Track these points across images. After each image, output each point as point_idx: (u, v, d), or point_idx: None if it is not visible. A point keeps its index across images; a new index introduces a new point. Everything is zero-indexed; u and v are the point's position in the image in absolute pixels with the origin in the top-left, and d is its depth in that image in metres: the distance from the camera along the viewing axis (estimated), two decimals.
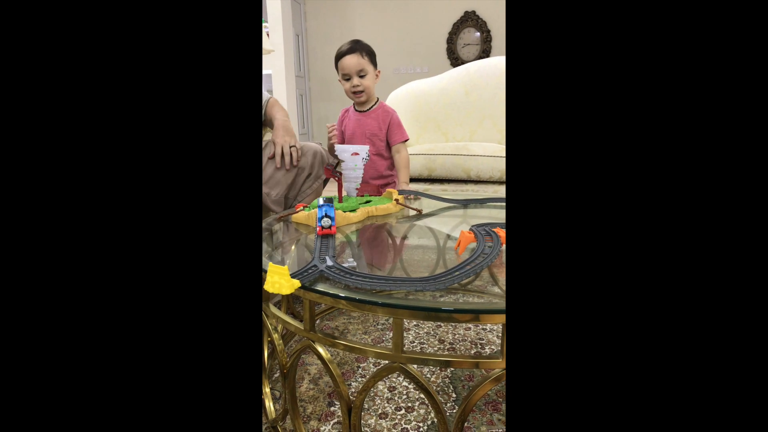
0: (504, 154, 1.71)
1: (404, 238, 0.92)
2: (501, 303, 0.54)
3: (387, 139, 1.33)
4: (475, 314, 0.53)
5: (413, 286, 0.54)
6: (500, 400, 0.79)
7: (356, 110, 1.36)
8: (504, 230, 0.68)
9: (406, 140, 1.33)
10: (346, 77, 1.28)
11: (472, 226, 0.72)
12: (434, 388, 0.82)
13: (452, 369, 0.88)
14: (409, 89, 2.20)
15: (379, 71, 1.31)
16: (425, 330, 1.05)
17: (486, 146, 1.78)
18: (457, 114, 2.11)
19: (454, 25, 3.69)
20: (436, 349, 0.97)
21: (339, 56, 1.28)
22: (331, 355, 0.62)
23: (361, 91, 1.28)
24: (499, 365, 0.53)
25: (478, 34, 3.67)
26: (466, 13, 3.65)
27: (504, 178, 1.71)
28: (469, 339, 1.01)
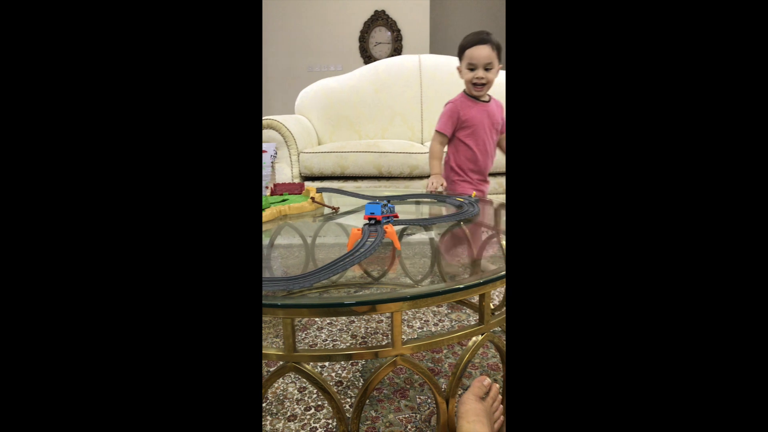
0: (414, 151, 1.77)
1: (314, 237, 0.91)
2: (394, 292, 0.55)
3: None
4: (372, 305, 0.54)
5: (280, 286, 0.53)
6: (408, 386, 0.81)
7: (478, 100, 1.26)
8: (392, 225, 0.70)
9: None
10: (472, 67, 1.20)
11: (365, 222, 0.73)
12: (345, 383, 0.83)
13: (363, 362, 0.89)
14: (320, 87, 2.18)
15: (501, 66, 1.23)
16: (338, 327, 1.05)
17: (397, 143, 1.83)
18: (369, 111, 2.13)
19: (365, 23, 3.73)
20: (348, 344, 0.97)
21: (468, 45, 1.20)
22: None
23: (484, 84, 1.21)
24: (392, 353, 0.54)
25: (389, 33, 3.74)
26: (376, 12, 3.71)
27: (413, 173, 1.77)
28: (381, 331, 1.03)
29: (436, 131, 1.30)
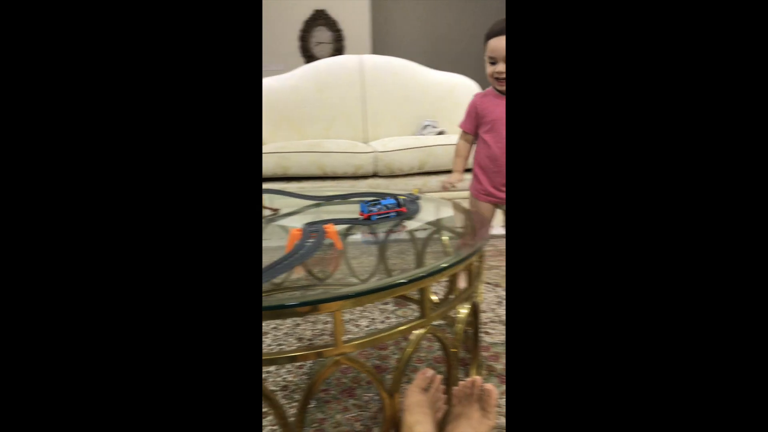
0: (357, 150, 1.77)
1: None
2: (335, 291, 0.55)
3: None
4: (314, 305, 0.53)
5: None
6: (355, 385, 0.81)
7: (500, 93, 1.13)
8: (333, 225, 0.69)
9: None
10: (492, 61, 1.07)
11: (305, 223, 0.73)
12: (291, 386, 0.81)
13: (310, 365, 0.88)
14: None
15: None
16: (283, 331, 1.03)
17: (340, 143, 1.82)
18: (310, 111, 2.11)
19: (306, 23, 3.67)
20: (294, 347, 0.96)
21: (491, 35, 1.06)
22: None
23: (503, 78, 1.07)
24: (335, 352, 0.54)
25: (330, 33, 3.72)
26: (316, 11, 3.67)
27: (358, 173, 1.77)
28: (328, 332, 1.03)
29: (460, 127, 1.23)
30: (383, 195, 1.10)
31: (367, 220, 0.89)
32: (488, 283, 1.29)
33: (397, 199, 0.94)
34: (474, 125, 1.18)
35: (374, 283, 0.58)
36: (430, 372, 0.65)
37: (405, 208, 0.92)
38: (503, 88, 1.10)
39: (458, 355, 0.72)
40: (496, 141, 1.14)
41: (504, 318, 1.07)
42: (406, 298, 1.12)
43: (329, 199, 1.08)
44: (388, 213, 0.92)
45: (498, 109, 1.13)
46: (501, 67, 1.05)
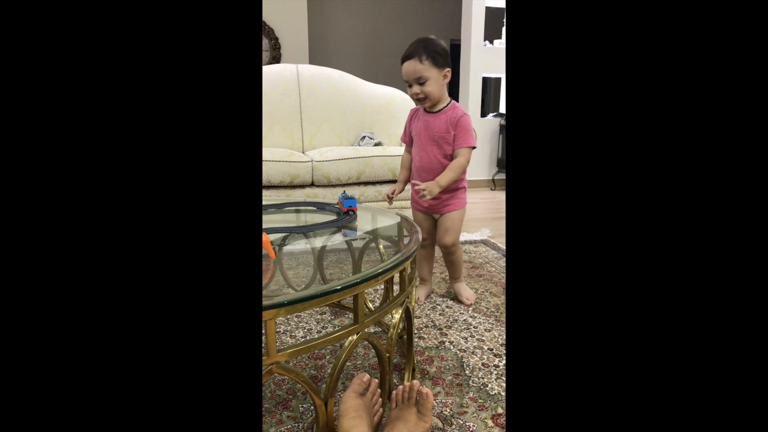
0: (294, 159, 1.75)
1: None
2: (269, 300, 0.54)
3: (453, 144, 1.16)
4: None
5: None
6: (290, 397, 0.80)
7: (426, 111, 1.18)
8: (266, 234, 0.69)
9: (472, 147, 1.15)
10: (408, 84, 1.13)
11: None
12: None
13: None
14: None
15: (447, 70, 1.13)
16: None
17: (277, 151, 1.79)
18: None
19: None
20: None
21: (402, 61, 1.12)
22: None
23: (423, 98, 1.13)
24: (267, 362, 0.53)
25: (267, 41, 3.66)
26: None
27: (294, 182, 1.75)
28: (262, 343, 1.00)
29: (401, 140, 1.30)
30: (321, 204, 1.10)
31: (299, 228, 0.89)
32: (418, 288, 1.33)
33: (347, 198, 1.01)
34: (409, 138, 1.25)
35: (309, 290, 0.58)
36: (366, 377, 0.66)
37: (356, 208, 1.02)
38: (424, 106, 1.18)
39: (392, 360, 0.74)
40: (418, 155, 1.20)
41: (438, 323, 1.11)
42: (343, 307, 1.12)
43: (264, 208, 1.06)
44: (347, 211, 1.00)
45: (419, 125, 1.20)
46: (415, 89, 1.13)
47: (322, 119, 2.19)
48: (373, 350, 0.98)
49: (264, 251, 0.71)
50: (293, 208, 1.15)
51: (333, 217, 0.98)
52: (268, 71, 2.15)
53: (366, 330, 0.63)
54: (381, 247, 0.91)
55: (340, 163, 1.79)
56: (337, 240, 0.95)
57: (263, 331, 0.52)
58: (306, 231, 0.90)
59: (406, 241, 0.84)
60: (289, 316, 1.13)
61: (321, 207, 1.09)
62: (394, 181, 1.91)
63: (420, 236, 0.84)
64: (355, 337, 0.61)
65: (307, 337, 1.03)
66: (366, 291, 1.11)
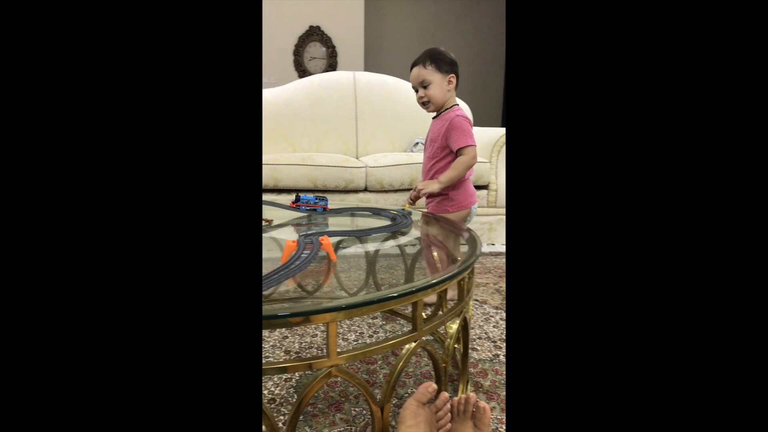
0: (349, 165, 1.78)
1: None
2: (329, 303, 0.55)
3: (449, 146, 1.21)
4: (306, 316, 0.53)
5: None
6: (343, 399, 0.81)
7: (433, 118, 1.27)
8: (328, 237, 0.70)
9: (470, 146, 1.18)
10: (415, 90, 1.22)
11: (300, 235, 0.73)
12: (279, 399, 0.80)
13: (297, 378, 0.87)
14: None
15: (452, 76, 1.20)
16: (270, 343, 1.02)
17: (332, 157, 1.83)
18: (303, 125, 2.12)
19: (300, 38, 3.72)
20: (282, 360, 0.95)
21: (411, 68, 1.22)
22: None
23: (426, 102, 1.21)
24: (327, 363, 0.54)
25: (324, 48, 3.77)
26: (311, 27, 3.72)
27: (349, 187, 1.78)
28: (316, 345, 1.02)
29: None
30: (376, 210, 1.11)
31: (354, 233, 0.90)
32: (475, 300, 1.30)
33: (320, 197, 1.07)
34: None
35: (368, 295, 0.58)
36: (433, 386, 0.64)
37: (327, 206, 1.07)
38: (428, 110, 1.25)
39: (448, 371, 0.73)
40: (424, 158, 1.29)
41: (491, 335, 1.08)
42: (395, 313, 1.12)
43: (321, 212, 1.08)
44: (315, 207, 1.05)
45: (430, 130, 1.28)
46: (420, 92, 1.20)
47: (377, 125, 2.21)
48: (423, 359, 0.97)
49: (324, 253, 0.72)
50: (349, 213, 1.17)
51: (388, 223, 0.98)
52: (325, 78, 2.20)
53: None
54: (435, 255, 0.90)
55: (393, 169, 1.80)
56: (391, 245, 0.95)
57: (326, 332, 0.53)
58: (362, 235, 0.91)
59: (463, 249, 0.82)
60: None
61: (376, 212, 1.10)
62: None
63: (481, 246, 0.82)
64: (413, 344, 0.60)
65: (359, 341, 1.04)
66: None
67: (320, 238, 0.69)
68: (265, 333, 1.05)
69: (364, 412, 0.77)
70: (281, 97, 2.15)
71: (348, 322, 1.13)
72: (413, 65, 1.21)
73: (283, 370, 0.55)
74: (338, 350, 0.55)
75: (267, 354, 0.97)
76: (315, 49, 3.77)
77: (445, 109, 1.23)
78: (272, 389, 0.84)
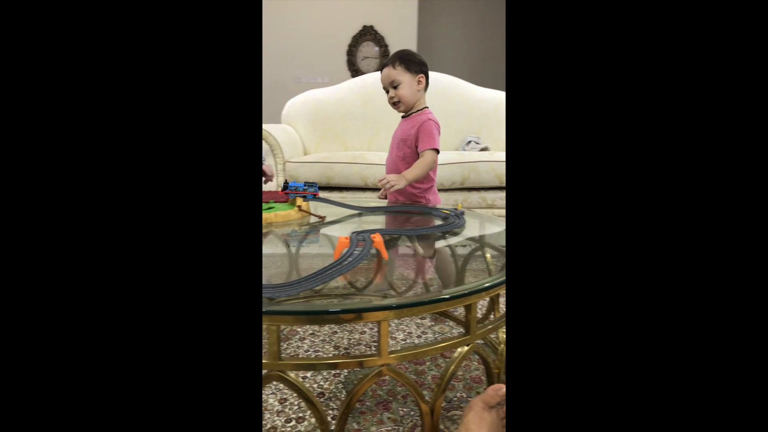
0: None
1: (296, 245, 0.90)
2: (380, 301, 0.55)
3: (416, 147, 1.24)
4: (358, 313, 0.54)
5: (265, 293, 0.53)
6: (391, 399, 0.80)
7: (405, 116, 1.30)
8: (380, 235, 0.70)
9: (433, 149, 1.21)
10: (385, 90, 1.26)
11: (352, 232, 0.73)
12: (327, 394, 0.81)
13: (346, 374, 0.88)
14: (306, 98, 2.19)
15: (421, 76, 1.23)
16: (320, 338, 1.04)
17: (383, 155, 1.84)
18: (355, 124, 2.14)
19: (354, 38, 3.77)
20: (331, 355, 0.96)
21: (380, 69, 1.27)
22: None
23: (397, 102, 1.24)
24: (378, 362, 0.54)
25: (377, 48, 3.79)
26: (365, 27, 3.76)
27: None
28: (365, 342, 1.02)
29: None
30: (428, 209, 1.10)
31: (404, 231, 0.89)
32: None
33: (309, 184, 1.06)
34: None
35: (421, 295, 0.57)
36: (503, 389, 0.61)
37: (317, 192, 1.07)
38: (398, 110, 1.27)
39: (501, 377, 0.70)
40: (388, 156, 1.33)
41: None
42: (445, 315, 1.10)
43: (372, 210, 1.09)
44: (305, 194, 1.03)
45: (399, 130, 1.30)
46: (390, 92, 1.23)
47: None
48: (473, 362, 0.95)
49: (375, 250, 0.72)
50: (401, 210, 1.16)
51: (440, 222, 0.96)
52: (378, 77, 2.21)
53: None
54: (488, 256, 0.88)
55: (444, 168, 1.77)
56: (442, 245, 0.94)
57: (378, 332, 0.53)
58: (414, 234, 0.90)
59: None
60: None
61: (428, 211, 1.09)
62: (500, 188, 1.83)
63: None
64: (465, 348, 0.59)
65: (407, 341, 1.03)
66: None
67: (372, 235, 0.69)
68: (315, 328, 1.07)
69: (412, 413, 0.76)
70: (334, 96, 2.18)
71: (396, 320, 1.13)
72: (383, 66, 1.24)
73: (334, 366, 0.55)
74: (389, 349, 0.55)
75: (317, 349, 0.99)
76: (368, 49, 3.81)
77: (417, 111, 1.26)
78: (321, 383, 0.85)
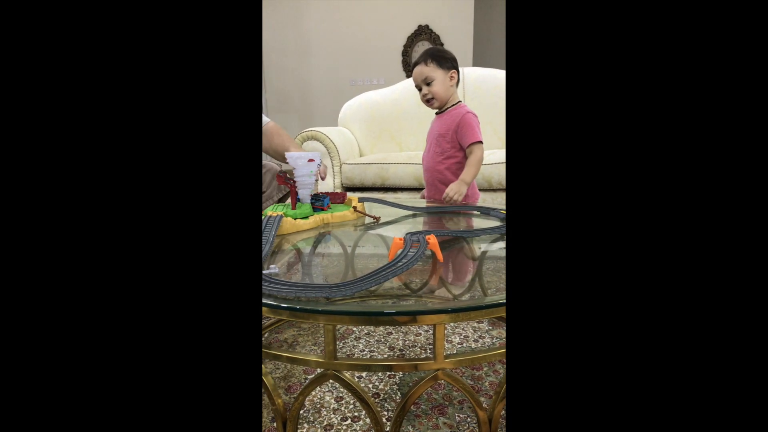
0: None
1: (353, 245, 0.91)
2: (436, 304, 0.54)
3: (459, 142, 1.25)
4: (413, 315, 0.53)
5: (321, 293, 0.53)
6: (446, 403, 0.79)
7: (439, 112, 1.32)
8: (435, 236, 0.69)
9: (479, 141, 1.22)
10: (418, 88, 1.27)
11: (407, 233, 0.73)
12: (382, 395, 0.81)
13: (401, 375, 0.88)
14: (362, 100, 2.22)
15: (453, 72, 1.23)
16: (375, 338, 1.04)
17: None
18: (410, 124, 2.14)
19: (409, 38, 3.77)
20: (386, 356, 0.96)
21: (412, 68, 1.30)
22: (275, 369, 0.59)
23: (431, 99, 1.24)
24: (433, 366, 0.53)
25: (431, 45, 3.76)
26: (420, 26, 3.74)
27: None
28: (420, 344, 1.01)
29: None
30: (486, 209, 1.07)
31: (460, 232, 0.87)
32: None
33: (323, 196, 0.98)
34: None
35: (477, 299, 0.56)
36: None
37: (326, 206, 0.97)
38: (431, 107, 1.27)
39: None
40: (425, 154, 1.32)
41: None
42: (503, 319, 1.07)
43: (427, 211, 1.07)
44: (315, 207, 0.95)
45: (431, 126, 1.31)
46: (424, 90, 1.23)
47: (485, 122, 2.13)
48: None
49: (430, 252, 0.71)
50: (458, 211, 1.14)
51: (498, 224, 0.93)
52: None
53: None
54: None
55: (502, 167, 1.72)
56: (499, 247, 0.90)
57: (433, 335, 0.52)
58: (470, 235, 0.88)
59: None
60: None
61: (485, 212, 1.06)
62: None
63: None
64: None
65: (464, 345, 1.01)
66: None
67: (427, 237, 0.68)
68: (370, 328, 1.08)
69: (468, 419, 0.74)
70: (389, 97, 2.19)
71: (452, 324, 1.11)
72: (415, 65, 1.24)
73: (389, 368, 0.55)
74: (445, 353, 0.53)
75: (372, 349, 1.00)
76: (423, 48, 3.79)
77: (451, 105, 1.25)
78: (377, 384, 0.85)
